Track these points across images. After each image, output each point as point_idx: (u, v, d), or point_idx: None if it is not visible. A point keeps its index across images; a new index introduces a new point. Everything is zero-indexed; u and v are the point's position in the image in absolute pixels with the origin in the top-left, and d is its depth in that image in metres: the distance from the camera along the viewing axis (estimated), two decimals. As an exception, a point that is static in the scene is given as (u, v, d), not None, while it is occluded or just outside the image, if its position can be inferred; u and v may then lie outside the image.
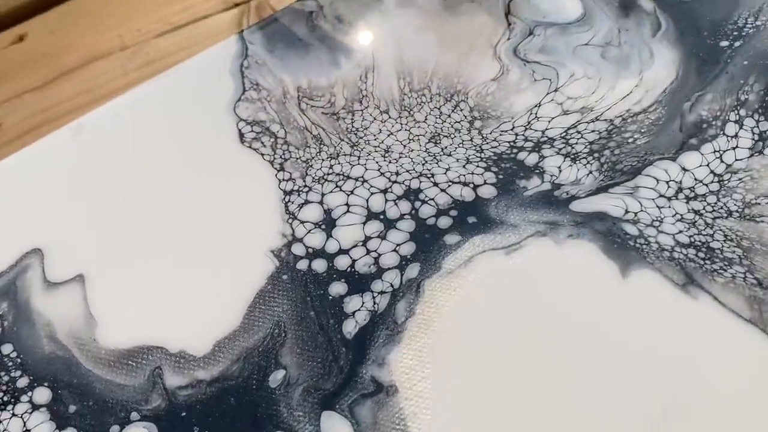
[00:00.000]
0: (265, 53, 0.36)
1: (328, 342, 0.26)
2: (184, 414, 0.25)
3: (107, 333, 0.27)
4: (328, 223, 0.30)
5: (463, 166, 0.31)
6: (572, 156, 0.31)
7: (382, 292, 0.27)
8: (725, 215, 0.28)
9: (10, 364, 0.27)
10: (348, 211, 0.30)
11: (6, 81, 0.41)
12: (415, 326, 0.26)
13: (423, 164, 0.31)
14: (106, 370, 0.26)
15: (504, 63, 0.34)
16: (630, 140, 0.31)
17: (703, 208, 0.29)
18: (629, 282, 0.27)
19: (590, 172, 0.30)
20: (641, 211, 0.29)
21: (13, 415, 0.25)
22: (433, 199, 0.30)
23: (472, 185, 0.30)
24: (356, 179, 0.31)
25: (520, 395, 0.25)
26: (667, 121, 0.32)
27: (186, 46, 0.42)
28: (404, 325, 0.26)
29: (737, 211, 0.28)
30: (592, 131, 0.31)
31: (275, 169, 0.32)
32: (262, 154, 0.32)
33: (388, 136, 0.33)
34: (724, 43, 0.34)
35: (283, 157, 0.32)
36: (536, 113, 0.32)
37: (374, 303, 0.27)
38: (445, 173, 0.31)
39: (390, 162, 0.31)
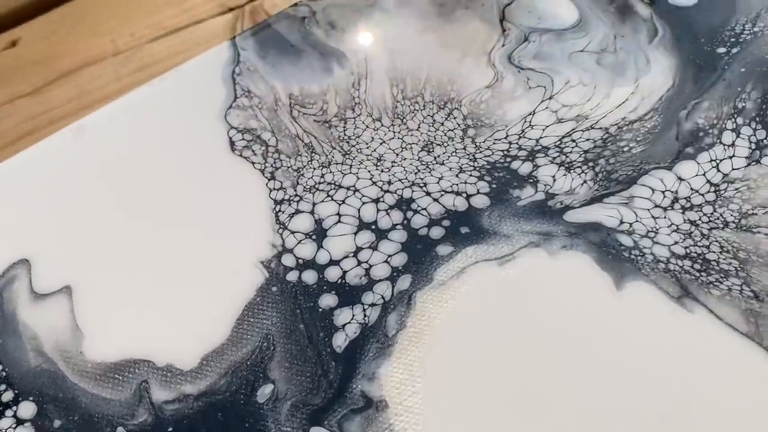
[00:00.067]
0: (257, 59, 0.35)
1: (317, 356, 0.26)
2: (170, 429, 0.25)
3: (94, 346, 0.27)
4: (319, 234, 0.29)
5: (456, 175, 0.31)
6: (566, 165, 0.30)
7: (372, 305, 0.27)
8: (722, 226, 0.28)
9: (-5, 377, 0.26)
10: (339, 221, 0.30)
11: (-3, 87, 0.41)
12: (406, 339, 0.26)
13: (415, 173, 0.31)
14: (93, 384, 0.26)
15: (498, 70, 0.34)
16: (625, 149, 0.31)
17: (699, 219, 0.28)
18: (624, 294, 0.26)
19: (585, 182, 0.30)
20: (636, 221, 0.28)
21: (-2, 430, 0.25)
22: (425, 209, 0.30)
23: (465, 195, 0.30)
24: (348, 188, 0.31)
25: (513, 410, 0.24)
26: (663, 130, 0.31)
27: (179, 51, 0.42)
28: (395, 338, 0.26)
29: (734, 222, 0.28)
30: (587, 140, 0.31)
31: (266, 178, 0.31)
32: (253, 163, 0.32)
33: (381, 144, 0.32)
34: (721, 50, 0.34)
35: (274, 165, 0.32)
36: (530, 121, 0.32)
37: (365, 315, 0.27)
38: (437, 182, 0.30)
39: (382, 171, 0.31)
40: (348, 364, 0.25)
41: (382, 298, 0.27)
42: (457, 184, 0.30)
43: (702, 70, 0.33)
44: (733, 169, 0.29)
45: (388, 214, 0.30)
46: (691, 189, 0.29)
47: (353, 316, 0.27)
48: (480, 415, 0.24)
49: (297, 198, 0.30)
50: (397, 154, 0.32)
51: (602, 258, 0.27)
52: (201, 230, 0.29)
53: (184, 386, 0.26)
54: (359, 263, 0.28)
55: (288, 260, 0.28)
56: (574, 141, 0.31)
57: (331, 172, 0.31)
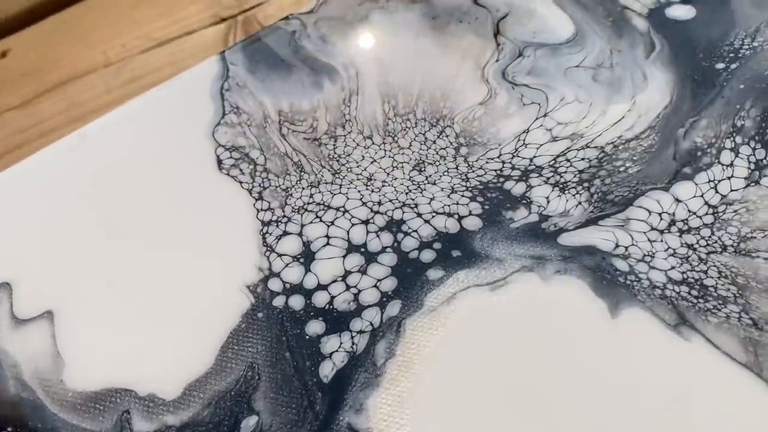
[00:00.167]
0: (246, 74, 0.35)
1: (303, 386, 0.25)
2: (152, 462, 0.24)
3: (75, 374, 0.26)
4: (307, 257, 0.28)
5: (448, 196, 0.30)
6: (561, 186, 0.30)
7: (361, 332, 0.26)
8: (720, 250, 0.27)
9: (-27, 407, 0.26)
10: (328, 243, 0.29)
11: (-15, 100, 0.40)
12: (395, 368, 0.25)
13: (406, 193, 0.30)
14: (73, 414, 0.25)
15: (492, 86, 0.33)
16: (621, 169, 0.30)
17: (697, 242, 0.27)
18: (619, 322, 0.26)
19: (579, 203, 0.29)
20: (632, 245, 0.28)
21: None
22: (416, 231, 0.29)
23: (456, 216, 0.29)
24: (337, 209, 0.30)
25: (504, 443, 0.24)
26: (660, 149, 0.30)
27: (171, 62, 0.41)
28: (384, 367, 0.25)
29: (732, 246, 0.27)
30: (582, 159, 0.30)
31: (253, 198, 0.30)
32: (240, 182, 0.31)
33: (371, 163, 0.31)
34: (720, 66, 0.33)
35: (262, 185, 0.31)
36: (524, 140, 0.31)
37: (353, 343, 0.26)
38: (429, 203, 0.30)
39: (372, 191, 0.30)
40: (335, 395, 0.25)
41: (371, 324, 0.26)
42: (448, 205, 0.30)
43: (700, 86, 0.32)
44: (731, 191, 0.29)
45: (377, 236, 0.29)
46: (689, 211, 0.28)
47: (341, 344, 0.26)
48: (470, 448, 0.24)
49: (285, 219, 0.30)
50: (388, 174, 0.31)
51: (597, 284, 0.27)
52: (186, 253, 0.29)
53: (166, 417, 0.25)
54: (348, 288, 0.27)
55: (275, 285, 0.28)
56: (568, 160, 0.30)
57: (320, 192, 0.31)
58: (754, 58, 0.33)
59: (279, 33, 0.36)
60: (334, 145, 0.32)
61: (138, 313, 0.27)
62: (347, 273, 0.28)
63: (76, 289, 0.28)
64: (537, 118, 0.32)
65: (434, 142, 0.32)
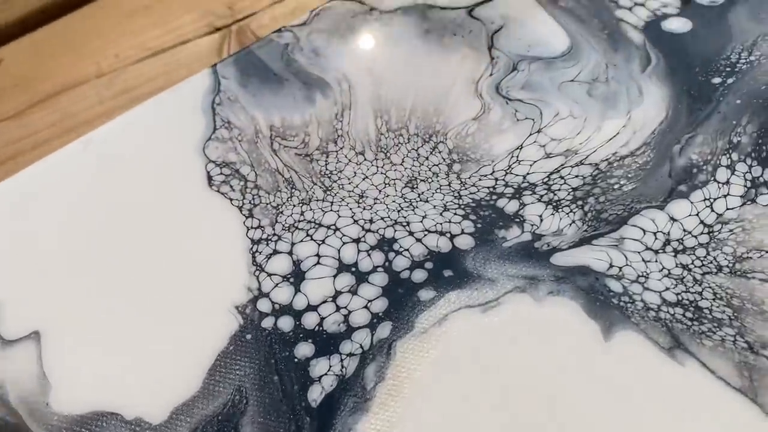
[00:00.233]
0: (238, 88, 0.34)
1: (291, 410, 0.25)
2: (137, 488, 0.24)
3: (61, 397, 0.26)
4: (297, 276, 0.28)
5: (440, 214, 0.30)
6: (554, 204, 0.29)
7: (350, 354, 0.26)
8: (715, 270, 0.27)
9: (-43, 431, 0.25)
10: (318, 262, 0.28)
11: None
12: (385, 393, 0.25)
13: (398, 211, 0.30)
14: (58, 439, 0.25)
15: (485, 101, 0.33)
16: (616, 186, 0.30)
17: (692, 263, 0.27)
18: (612, 344, 0.25)
19: (573, 222, 0.29)
20: (626, 265, 0.27)
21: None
22: (407, 250, 0.29)
23: (449, 235, 0.29)
24: (328, 227, 0.30)
25: (495, 470, 0.23)
26: (656, 166, 0.30)
27: (164, 72, 0.41)
28: (373, 391, 0.25)
29: (728, 266, 0.27)
30: (576, 176, 0.30)
31: (243, 215, 0.30)
32: (231, 199, 0.31)
33: (363, 179, 0.31)
34: (717, 80, 0.32)
35: (252, 202, 0.30)
36: (518, 156, 0.31)
37: (342, 367, 0.26)
38: (421, 221, 0.29)
39: (364, 208, 0.30)
40: (323, 420, 0.24)
41: (361, 347, 0.26)
42: (441, 224, 0.29)
43: (696, 101, 0.32)
44: (727, 209, 0.28)
45: (369, 255, 0.29)
46: (684, 230, 0.28)
47: (330, 367, 0.26)
48: (460, 475, 0.23)
49: (275, 237, 0.29)
50: (380, 191, 0.31)
51: (590, 305, 0.26)
52: (174, 273, 0.28)
53: (152, 442, 0.25)
54: (338, 309, 0.27)
55: (264, 305, 0.27)
56: (562, 177, 0.30)
57: (311, 209, 0.30)
58: (751, 73, 0.32)
59: (271, 46, 0.36)
60: (326, 161, 0.32)
61: (125, 335, 0.27)
62: (337, 293, 0.27)
63: (64, 309, 0.28)
64: (531, 134, 0.31)
65: (427, 158, 0.31)
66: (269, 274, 0.28)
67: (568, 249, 0.28)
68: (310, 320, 0.27)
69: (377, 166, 0.31)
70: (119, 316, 0.27)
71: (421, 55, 0.35)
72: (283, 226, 0.30)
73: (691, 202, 0.29)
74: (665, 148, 0.30)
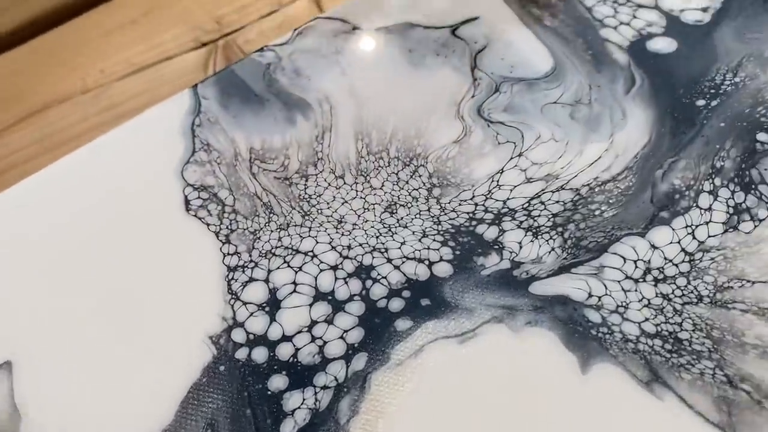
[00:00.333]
0: (218, 109, 0.34)
1: (263, 445, 0.24)
2: None
3: (32, 429, 0.25)
4: (273, 305, 0.28)
5: (419, 240, 0.29)
6: (534, 230, 0.29)
7: (325, 387, 0.25)
8: (695, 300, 0.26)
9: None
10: (295, 290, 0.28)
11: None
12: (359, 427, 0.25)
13: (377, 237, 0.29)
14: (27, 473, 0.25)
15: (467, 123, 0.32)
16: (597, 212, 0.29)
17: (672, 292, 0.27)
18: (589, 377, 0.25)
19: (552, 249, 0.28)
20: (606, 294, 0.27)
21: None
22: (385, 278, 0.28)
23: (427, 262, 0.28)
24: (306, 254, 0.29)
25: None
26: (638, 191, 0.30)
27: (149, 89, 0.41)
28: (347, 426, 0.25)
29: (708, 296, 0.26)
30: (557, 202, 0.30)
31: (220, 241, 0.30)
32: (208, 224, 0.30)
33: (342, 204, 0.31)
34: (701, 102, 0.32)
35: (229, 227, 0.30)
36: (498, 181, 0.30)
37: (316, 400, 0.25)
38: (399, 248, 0.29)
39: (343, 234, 0.30)
40: (295, 456, 0.24)
41: (336, 379, 0.26)
42: (419, 250, 0.29)
43: (680, 124, 0.32)
44: (709, 236, 0.28)
45: (346, 282, 0.28)
46: (665, 258, 0.28)
47: (303, 400, 0.25)
48: None
49: (252, 264, 0.29)
50: (359, 216, 0.30)
51: (568, 336, 0.26)
52: (149, 302, 0.28)
53: (122, 477, 0.24)
54: (313, 339, 0.27)
55: (238, 336, 0.27)
56: (542, 203, 0.30)
57: (289, 235, 0.30)
58: (735, 95, 0.32)
59: (253, 65, 0.36)
60: (305, 184, 0.31)
61: (96, 365, 0.27)
62: (313, 323, 0.27)
63: (35, 339, 0.27)
64: (512, 158, 0.31)
65: (407, 182, 0.31)
66: (244, 303, 0.28)
67: (546, 277, 0.27)
68: (284, 351, 0.26)
69: (357, 191, 0.31)
70: (90, 345, 0.27)
71: (404, 75, 0.35)
72: (260, 252, 0.29)
73: (673, 229, 0.28)
74: (647, 173, 0.30)
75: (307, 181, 0.32)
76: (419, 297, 0.27)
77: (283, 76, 0.35)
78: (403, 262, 0.29)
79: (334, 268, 0.29)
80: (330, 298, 0.28)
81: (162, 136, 0.33)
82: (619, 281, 0.27)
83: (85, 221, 0.30)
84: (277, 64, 0.36)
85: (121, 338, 0.27)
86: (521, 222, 0.29)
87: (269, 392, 0.25)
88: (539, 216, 0.29)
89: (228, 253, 0.29)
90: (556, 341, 0.26)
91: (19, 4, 0.45)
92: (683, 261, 0.27)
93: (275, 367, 0.26)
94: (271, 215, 0.30)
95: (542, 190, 0.30)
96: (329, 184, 0.31)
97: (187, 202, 0.31)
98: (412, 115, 0.33)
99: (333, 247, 0.29)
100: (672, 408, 0.24)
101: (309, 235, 0.30)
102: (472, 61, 0.35)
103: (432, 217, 0.30)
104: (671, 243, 0.28)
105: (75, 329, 0.27)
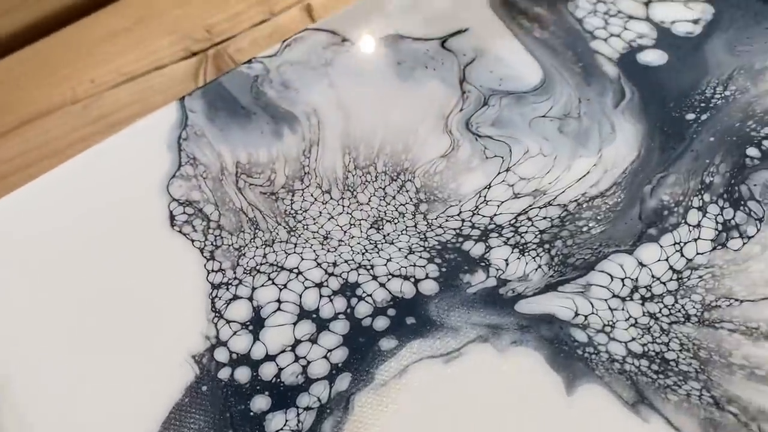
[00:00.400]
0: (205, 122, 0.34)
1: (244, 468, 0.24)
2: None
3: (11, 450, 0.25)
4: (256, 323, 0.27)
5: (405, 257, 0.29)
6: (521, 247, 0.29)
7: (308, 408, 0.25)
8: (683, 320, 0.26)
9: None
10: (279, 308, 0.28)
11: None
12: (341, 449, 0.24)
13: (363, 254, 0.29)
14: (7, 496, 0.24)
15: (455, 137, 0.32)
16: (584, 229, 0.29)
17: (660, 311, 0.26)
18: (575, 398, 0.25)
19: (539, 267, 0.28)
20: (592, 313, 0.27)
21: None
22: (370, 296, 0.28)
23: (413, 279, 0.28)
24: (291, 271, 0.29)
25: None
26: (626, 207, 0.29)
27: (140, 99, 0.41)
28: (329, 448, 0.24)
29: (696, 315, 0.26)
30: (544, 218, 0.29)
31: (205, 258, 0.29)
32: (192, 240, 0.30)
33: (329, 220, 0.30)
34: (690, 116, 0.32)
35: (214, 243, 0.30)
36: (485, 196, 0.30)
37: (298, 421, 0.25)
38: (385, 265, 0.29)
39: (328, 251, 0.29)
40: (276, 479, 0.24)
41: (319, 400, 0.25)
42: (405, 267, 0.29)
43: (669, 139, 0.31)
44: (697, 254, 0.28)
45: (330, 300, 0.28)
46: (653, 276, 0.27)
47: (286, 421, 0.25)
48: None
49: (236, 281, 0.29)
50: (345, 232, 0.30)
51: (554, 356, 0.26)
52: (132, 319, 0.28)
53: (102, 500, 0.24)
54: (297, 359, 0.26)
55: (221, 355, 0.27)
56: (530, 219, 0.29)
57: (274, 251, 0.30)
58: (726, 109, 0.32)
59: (241, 78, 0.36)
60: (291, 199, 0.31)
61: (76, 384, 0.26)
62: (297, 342, 0.27)
63: (10, 359, 0.27)
64: (499, 173, 0.31)
65: (394, 197, 0.31)
66: (228, 321, 0.28)
67: (533, 296, 0.27)
68: (267, 371, 0.26)
69: (343, 206, 0.31)
70: (70, 363, 0.27)
71: (392, 88, 0.34)
72: (245, 269, 0.29)
73: (661, 246, 0.28)
74: (636, 188, 0.30)
75: (293, 196, 0.31)
76: (404, 315, 0.27)
77: (271, 88, 0.35)
78: (389, 280, 0.28)
79: (319, 285, 0.28)
80: (314, 316, 0.28)
81: (148, 150, 0.33)
82: (606, 300, 0.27)
83: (67, 236, 0.30)
84: (265, 77, 0.35)
85: (102, 356, 0.27)
86: (508, 238, 0.29)
87: (252, 413, 0.25)
88: (526, 232, 0.29)
89: (212, 270, 0.29)
90: (541, 361, 0.25)
91: (8, 13, 0.45)
92: (671, 279, 0.27)
93: (258, 388, 0.26)
94: (257, 231, 0.30)
95: (530, 205, 0.30)
96: (315, 199, 0.31)
97: (172, 217, 0.31)
98: (400, 129, 0.33)
99: (318, 264, 0.29)
100: (658, 430, 0.24)
101: (294, 252, 0.29)
102: (461, 74, 0.34)
103: (418, 233, 0.30)
104: (659, 260, 0.28)
105: (54, 346, 0.27)
